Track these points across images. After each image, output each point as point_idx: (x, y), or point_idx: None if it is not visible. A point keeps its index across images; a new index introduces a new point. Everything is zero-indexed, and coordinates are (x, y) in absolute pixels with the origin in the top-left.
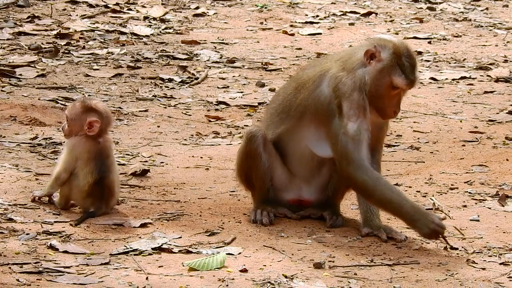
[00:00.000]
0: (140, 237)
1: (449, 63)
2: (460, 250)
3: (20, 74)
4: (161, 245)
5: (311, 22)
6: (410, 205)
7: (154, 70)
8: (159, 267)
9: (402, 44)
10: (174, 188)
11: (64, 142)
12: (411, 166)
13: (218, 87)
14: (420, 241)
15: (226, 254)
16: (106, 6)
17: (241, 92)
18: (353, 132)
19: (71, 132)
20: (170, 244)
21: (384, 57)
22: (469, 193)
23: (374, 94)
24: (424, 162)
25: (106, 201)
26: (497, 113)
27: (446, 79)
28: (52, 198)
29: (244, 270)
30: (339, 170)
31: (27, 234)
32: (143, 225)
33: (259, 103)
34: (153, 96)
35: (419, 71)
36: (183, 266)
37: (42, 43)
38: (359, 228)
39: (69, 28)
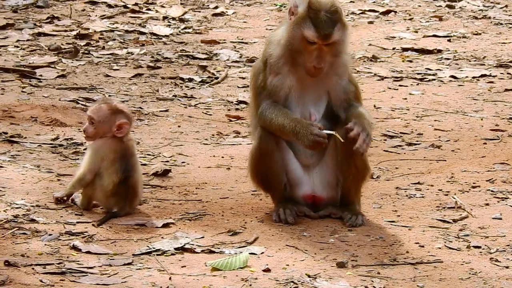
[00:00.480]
0: (162, 237)
1: (469, 61)
2: (483, 249)
3: (41, 75)
4: (184, 245)
5: None
6: (293, 121)
7: (174, 70)
8: (182, 267)
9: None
10: (196, 188)
11: (85, 143)
12: (432, 164)
13: (238, 87)
14: (443, 240)
15: (249, 253)
16: (125, 6)
17: None
18: (270, 87)
19: (97, 134)
20: (193, 244)
21: (299, 11)
22: (491, 191)
23: (291, 48)
24: (445, 160)
25: (130, 201)
26: None
27: (466, 77)
28: (73, 198)
29: (267, 270)
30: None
31: (50, 235)
32: (166, 225)
33: None
34: (173, 96)
35: (340, 27)
36: (206, 266)
37: (62, 44)
38: (381, 226)
39: (88, 29)
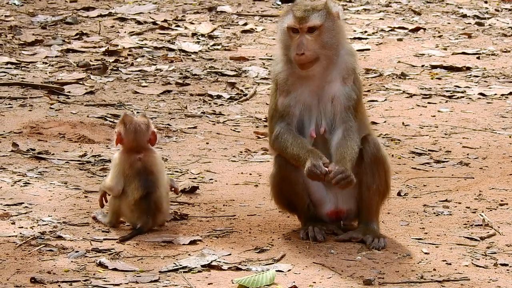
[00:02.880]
0: (189, 254)
1: (498, 79)
2: (511, 266)
3: (69, 91)
4: (211, 262)
5: (360, 38)
6: (299, 149)
7: (203, 87)
8: (209, 284)
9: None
10: (223, 205)
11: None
12: (460, 182)
13: (266, 104)
14: (470, 258)
15: (276, 271)
16: (154, 23)
17: None
18: (281, 108)
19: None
20: (220, 261)
21: (282, 14)
22: None
23: (283, 49)
24: (473, 178)
25: (153, 217)
26: None
27: (495, 94)
28: (96, 216)
29: (294, 287)
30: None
31: (76, 251)
32: (193, 242)
33: None
34: (201, 112)
35: (319, 13)
36: (233, 283)
37: (90, 60)
38: (408, 244)
39: (117, 45)
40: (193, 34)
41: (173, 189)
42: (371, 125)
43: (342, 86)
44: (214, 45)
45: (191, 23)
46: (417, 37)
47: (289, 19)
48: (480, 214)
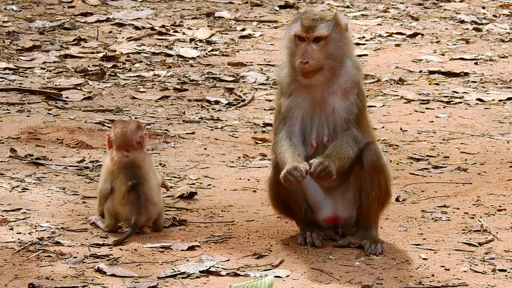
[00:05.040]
0: (187, 260)
1: (496, 84)
2: (509, 272)
3: (67, 97)
4: (209, 268)
5: (357, 44)
6: (287, 157)
7: (201, 92)
8: None
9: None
10: (222, 211)
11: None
12: (458, 187)
13: (264, 109)
14: (468, 263)
15: (274, 276)
16: (152, 29)
17: None
18: (284, 109)
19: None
20: (218, 267)
21: (291, 21)
22: None
23: (288, 56)
24: (471, 183)
25: (145, 208)
26: None
27: (493, 100)
28: (95, 222)
29: None
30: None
31: (75, 257)
32: (191, 248)
33: None
34: (199, 118)
35: (326, 24)
36: None
37: (88, 66)
38: (407, 249)
39: (115, 51)
40: (191, 40)
41: (163, 185)
42: (374, 133)
43: (343, 99)
44: (212, 50)
45: (189, 28)
46: (415, 43)
47: (296, 27)
48: (478, 220)
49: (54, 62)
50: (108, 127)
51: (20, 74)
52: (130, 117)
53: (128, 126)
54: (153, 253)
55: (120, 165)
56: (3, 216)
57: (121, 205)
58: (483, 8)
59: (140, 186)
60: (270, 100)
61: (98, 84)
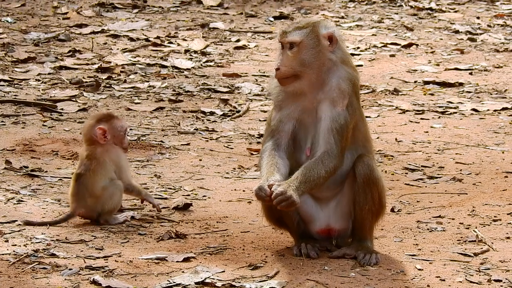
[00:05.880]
0: (183, 271)
1: (491, 94)
2: (504, 282)
3: (62, 109)
4: (204, 279)
5: (352, 54)
6: (263, 172)
7: (196, 103)
8: None
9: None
10: (217, 222)
11: None
12: (453, 198)
13: (259, 120)
14: (463, 274)
15: (270, 287)
16: (147, 40)
17: None
18: (273, 123)
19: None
20: (214, 278)
21: None
22: None
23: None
24: (466, 193)
25: (84, 200)
26: None
27: (488, 110)
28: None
29: None
30: None
31: (70, 269)
32: (186, 259)
33: None
34: (194, 129)
35: (302, 31)
36: None
37: (83, 77)
38: (402, 260)
39: (110, 62)
40: (186, 51)
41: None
42: (371, 145)
43: (329, 108)
44: (207, 61)
45: (184, 39)
46: (409, 53)
47: (279, 33)
48: (473, 230)
49: (49, 73)
50: None
51: (15, 85)
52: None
53: (90, 119)
54: (148, 265)
55: (81, 155)
56: None
57: (70, 195)
58: (478, 18)
59: (83, 177)
60: (265, 111)
61: (93, 96)
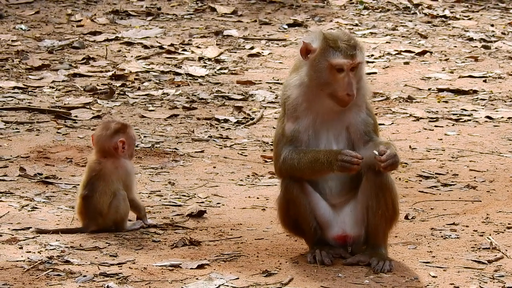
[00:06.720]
0: (197, 279)
1: (505, 102)
2: None
3: (76, 116)
4: (218, 286)
5: (366, 62)
6: (323, 153)
7: (210, 111)
8: None
9: (333, 31)
10: (231, 229)
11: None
12: (467, 205)
13: (273, 127)
14: (477, 281)
15: None
16: (161, 47)
17: None
18: (289, 133)
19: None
20: (228, 285)
21: (316, 46)
22: None
23: (320, 83)
24: (480, 201)
25: (95, 220)
26: None
27: (502, 117)
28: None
29: None
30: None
31: (84, 276)
32: (200, 266)
33: None
34: (208, 136)
35: (360, 49)
36: None
37: (97, 85)
38: (416, 267)
39: (124, 69)
40: (200, 58)
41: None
42: None
43: (356, 114)
44: (220, 69)
45: (198, 47)
46: (423, 61)
47: (336, 59)
48: (487, 237)
49: (63, 81)
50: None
51: (29, 93)
52: (139, 135)
53: (106, 130)
54: (162, 272)
55: (89, 171)
56: (13, 235)
57: (77, 212)
58: (492, 25)
59: (90, 199)
60: None
61: (107, 103)
